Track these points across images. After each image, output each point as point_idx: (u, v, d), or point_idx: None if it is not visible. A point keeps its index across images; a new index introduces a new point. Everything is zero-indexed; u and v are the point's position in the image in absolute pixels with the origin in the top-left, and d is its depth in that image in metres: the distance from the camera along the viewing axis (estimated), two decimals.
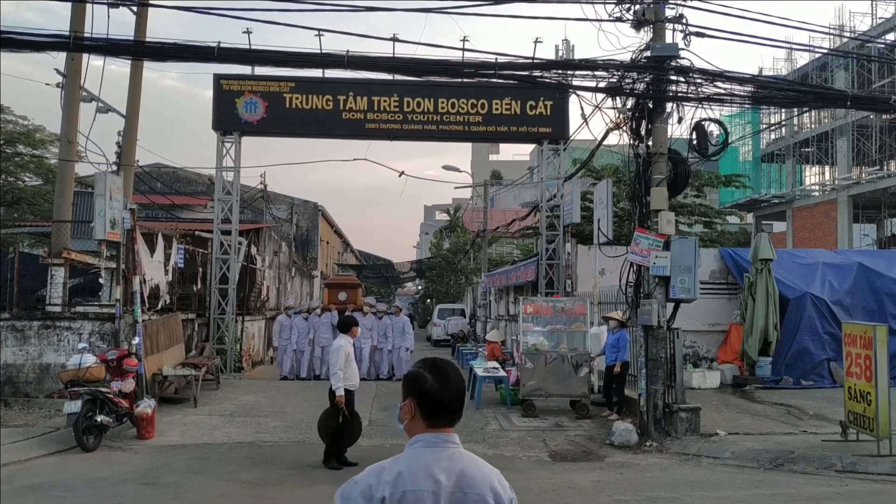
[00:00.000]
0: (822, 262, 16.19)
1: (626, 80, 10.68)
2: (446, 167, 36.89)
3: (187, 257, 17.09)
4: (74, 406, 9.45)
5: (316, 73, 16.52)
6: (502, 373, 14.05)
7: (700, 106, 10.72)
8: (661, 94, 10.67)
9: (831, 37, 28.83)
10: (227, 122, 18.12)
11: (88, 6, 13.48)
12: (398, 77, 13.59)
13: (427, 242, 65.11)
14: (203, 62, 10.83)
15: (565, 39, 53.21)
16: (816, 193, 33.89)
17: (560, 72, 11.27)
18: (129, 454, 9.57)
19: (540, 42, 18.68)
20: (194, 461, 9.22)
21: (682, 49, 10.37)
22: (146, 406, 10.46)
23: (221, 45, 10.07)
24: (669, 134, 10.86)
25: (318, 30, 13.10)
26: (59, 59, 14.07)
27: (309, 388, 15.67)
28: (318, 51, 10.99)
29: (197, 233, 18.91)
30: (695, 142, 10.92)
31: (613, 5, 10.63)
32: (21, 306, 13.33)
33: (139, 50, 12.48)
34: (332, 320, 18.30)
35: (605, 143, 13.17)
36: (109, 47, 10.37)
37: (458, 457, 2.21)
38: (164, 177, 27.88)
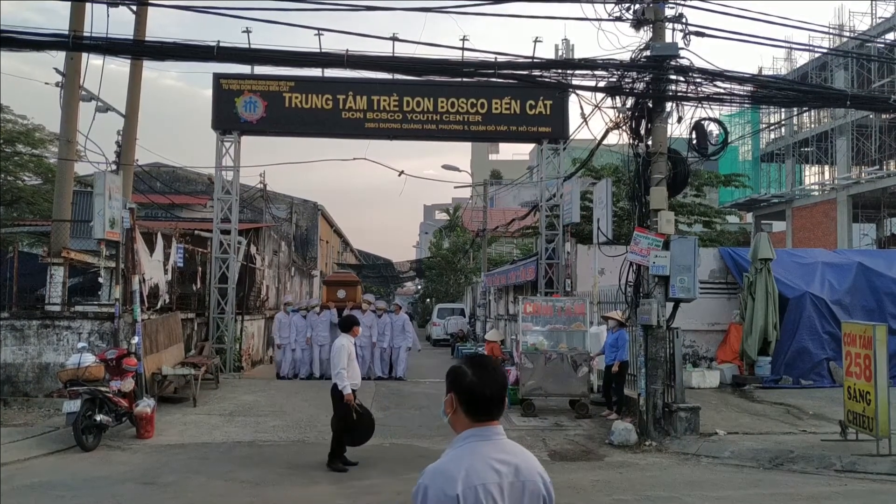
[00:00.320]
0: (822, 261, 16.20)
1: (626, 80, 10.68)
2: (446, 167, 36.97)
3: (187, 257, 17.07)
4: (74, 405, 9.45)
5: (315, 72, 16.52)
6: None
7: (700, 105, 10.73)
8: (661, 93, 10.67)
9: (831, 36, 28.85)
10: (227, 121, 18.11)
11: (88, 5, 13.48)
12: (398, 76, 13.58)
13: (427, 242, 65.11)
14: (202, 61, 10.82)
15: (565, 39, 53.28)
16: (816, 193, 33.90)
17: (560, 71, 11.26)
18: (129, 453, 9.57)
19: (539, 41, 18.66)
20: (193, 461, 9.22)
21: (682, 48, 10.37)
22: (145, 405, 10.46)
23: (221, 44, 10.06)
24: (669, 133, 10.86)
25: (318, 29, 13.14)
26: (58, 58, 14.11)
27: (308, 388, 15.68)
28: (318, 50, 10.98)
29: (196, 232, 18.89)
30: (694, 141, 10.92)
31: (613, 5, 10.63)
32: (20, 305, 13.33)
33: (139, 49, 12.46)
34: (330, 318, 18.23)
35: (604, 142, 13.17)
36: (109, 46, 10.35)
37: (509, 447, 2.30)
38: (164, 176, 27.87)
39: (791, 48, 31.45)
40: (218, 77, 18.00)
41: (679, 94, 10.70)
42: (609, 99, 10.99)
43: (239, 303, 18.72)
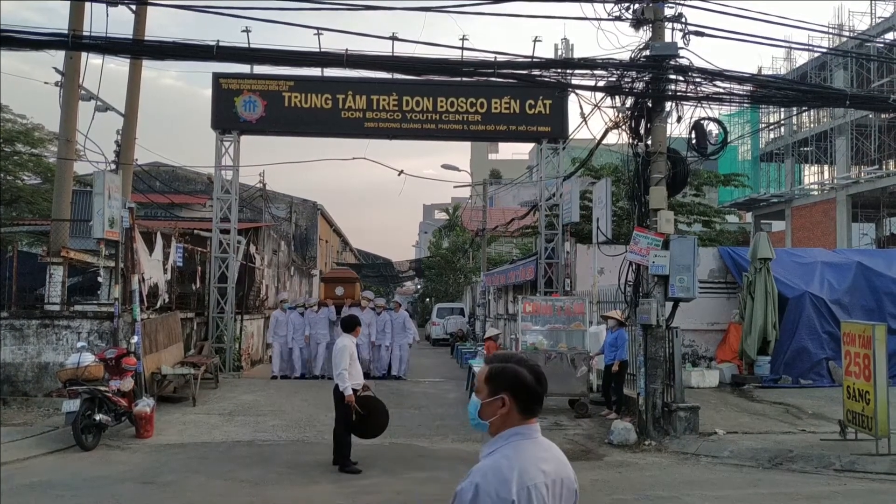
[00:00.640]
0: (821, 261, 16.21)
1: (626, 79, 10.68)
2: (445, 166, 36.87)
3: (186, 256, 17.07)
4: (73, 405, 9.45)
5: (315, 71, 16.50)
6: None
7: (699, 105, 10.73)
8: (661, 93, 10.67)
9: (830, 36, 28.86)
10: (226, 120, 18.10)
11: (87, 5, 13.48)
12: (397, 76, 13.56)
13: (426, 241, 65.12)
14: (202, 61, 10.83)
15: (564, 38, 53.30)
16: (815, 192, 33.92)
17: (559, 71, 11.26)
18: (128, 453, 9.57)
19: (539, 41, 18.61)
20: (193, 460, 9.21)
21: (682, 48, 10.37)
22: (145, 405, 10.45)
23: (220, 43, 10.06)
24: (668, 133, 10.86)
25: (317, 28, 13.13)
26: (57, 57, 14.09)
27: (308, 388, 15.68)
28: (317, 49, 10.97)
29: (196, 231, 18.88)
30: (694, 141, 10.92)
31: (612, 4, 10.62)
32: (20, 305, 13.32)
33: (138, 49, 12.46)
34: (328, 316, 18.03)
35: (604, 142, 13.18)
36: (108, 46, 10.34)
37: (546, 445, 2.36)
38: (163, 175, 27.86)
39: (790, 48, 31.48)
40: (217, 76, 18.00)
41: (678, 93, 10.70)
42: (608, 98, 11.00)
43: (238, 302, 18.70)
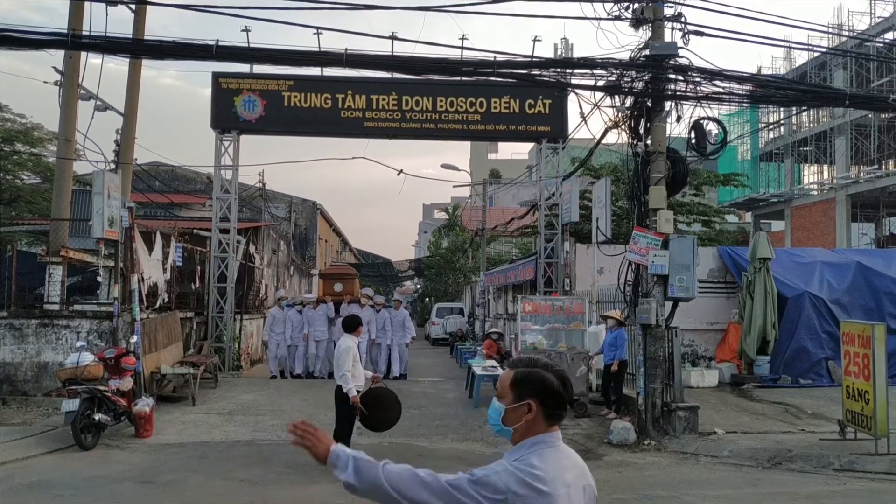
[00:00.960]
0: (821, 261, 16.22)
1: (625, 79, 10.68)
2: (445, 166, 36.93)
3: (185, 256, 17.06)
4: (72, 404, 9.44)
5: (314, 71, 16.49)
6: (501, 371, 14.03)
7: (699, 105, 10.73)
8: (660, 92, 10.67)
9: (830, 36, 28.86)
10: (226, 120, 18.09)
11: (87, 4, 13.49)
12: (397, 75, 13.57)
13: (426, 241, 65.08)
14: (201, 60, 10.81)
15: (564, 38, 53.24)
16: (815, 192, 33.93)
17: (559, 70, 11.26)
18: (128, 453, 9.56)
19: (539, 41, 18.62)
20: (192, 460, 9.21)
21: (681, 48, 10.37)
22: (144, 404, 10.45)
23: (220, 43, 10.06)
24: (668, 132, 10.87)
25: (317, 28, 13.13)
26: (57, 57, 14.08)
27: (307, 387, 15.67)
28: (317, 49, 10.96)
29: (195, 231, 18.88)
30: (693, 140, 10.93)
31: (612, 4, 10.63)
32: (19, 304, 13.32)
33: (137, 48, 12.45)
34: (327, 313, 17.81)
35: (603, 141, 13.17)
36: (108, 45, 10.34)
37: (570, 452, 2.33)
38: (163, 175, 27.85)
39: (790, 47, 31.51)
40: (217, 76, 17.98)
41: (678, 93, 10.71)
42: (608, 98, 11.00)
43: (238, 302, 18.67)
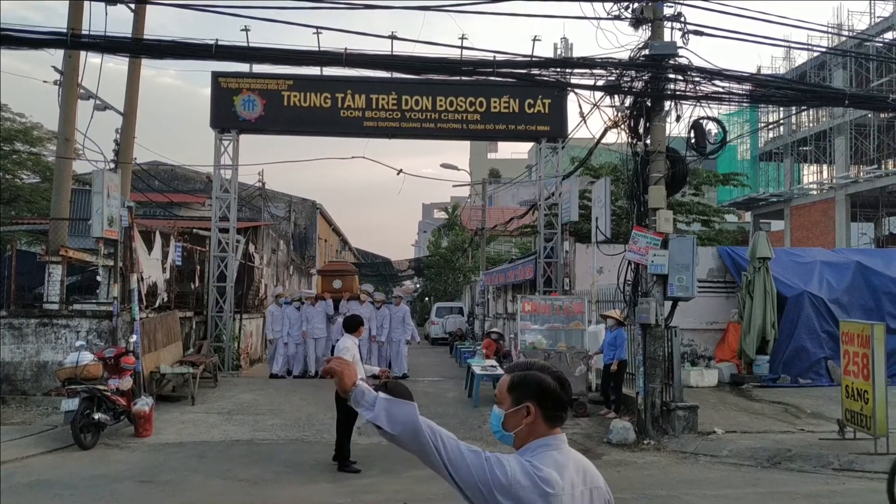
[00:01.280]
0: (820, 260, 16.22)
1: (625, 79, 10.68)
2: (445, 165, 36.88)
3: (185, 255, 17.05)
4: (72, 404, 9.45)
5: (314, 70, 16.47)
6: (500, 371, 14.04)
7: (698, 104, 10.73)
8: (660, 92, 10.67)
9: (830, 35, 28.85)
10: (226, 119, 18.08)
11: (86, 4, 13.50)
12: (396, 75, 13.57)
13: (425, 241, 65.06)
14: (201, 60, 10.81)
15: (564, 38, 53.21)
16: (814, 192, 33.94)
17: (558, 70, 11.26)
18: (127, 452, 9.57)
19: (538, 40, 18.60)
20: (192, 459, 9.22)
21: (681, 47, 10.37)
22: (144, 404, 10.45)
23: (219, 42, 10.06)
24: (668, 132, 10.87)
25: (317, 27, 13.07)
26: (56, 56, 14.08)
27: (306, 386, 15.67)
28: (317, 49, 10.97)
29: (195, 231, 18.87)
30: (693, 140, 10.93)
31: (612, 4, 10.63)
32: (19, 304, 13.32)
33: (137, 47, 12.44)
34: (326, 310, 17.72)
35: (603, 141, 13.17)
36: (107, 45, 10.33)
37: (575, 455, 2.29)
38: (162, 174, 27.83)
39: (790, 47, 31.53)
40: (216, 75, 17.98)
41: (678, 92, 10.71)
42: (608, 98, 11.00)
43: (237, 301, 18.66)
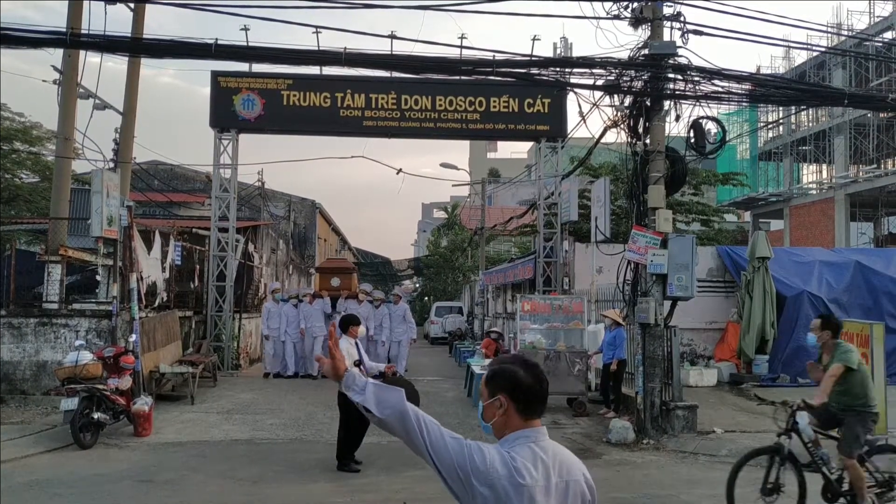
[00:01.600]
0: (820, 260, 16.23)
1: (624, 78, 10.68)
2: (444, 165, 36.89)
3: (184, 255, 17.05)
4: (71, 403, 9.45)
5: (313, 70, 16.46)
6: None
7: (698, 104, 10.73)
8: (659, 91, 10.67)
9: (829, 35, 28.87)
10: (225, 119, 18.08)
11: (85, 3, 13.47)
12: (396, 74, 13.55)
13: (425, 240, 65.10)
14: (200, 59, 10.82)
15: (563, 37, 53.15)
16: (814, 192, 33.95)
17: (558, 69, 11.27)
18: (126, 451, 9.56)
19: (538, 40, 18.61)
20: (191, 458, 9.21)
21: (680, 47, 10.37)
22: (143, 403, 10.45)
23: (219, 42, 10.06)
24: (667, 132, 10.87)
25: (316, 27, 13.08)
26: (56, 55, 14.06)
27: (306, 386, 15.67)
28: (316, 48, 10.98)
29: (194, 230, 18.86)
30: (692, 140, 10.93)
31: (611, 3, 10.63)
32: (18, 303, 13.31)
33: (136, 46, 12.43)
34: (324, 308, 17.52)
35: (602, 140, 13.17)
36: (106, 44, 10.33)
37: (555, 448, 2.32)
38: (162, 174, 27.80)
39: (789, 47, 31.50)
40: (216, 75, 17.98)
41: (677, 92, 10.71)
42: (607, 97, 11.00)
43: (237, 301, 18.65)
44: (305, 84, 18.03)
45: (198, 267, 17.88)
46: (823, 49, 25.80)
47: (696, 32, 10.44)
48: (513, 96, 18.21)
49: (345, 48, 10.21)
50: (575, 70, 10.89)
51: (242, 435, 10.65)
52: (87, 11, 13.13)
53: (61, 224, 13.64)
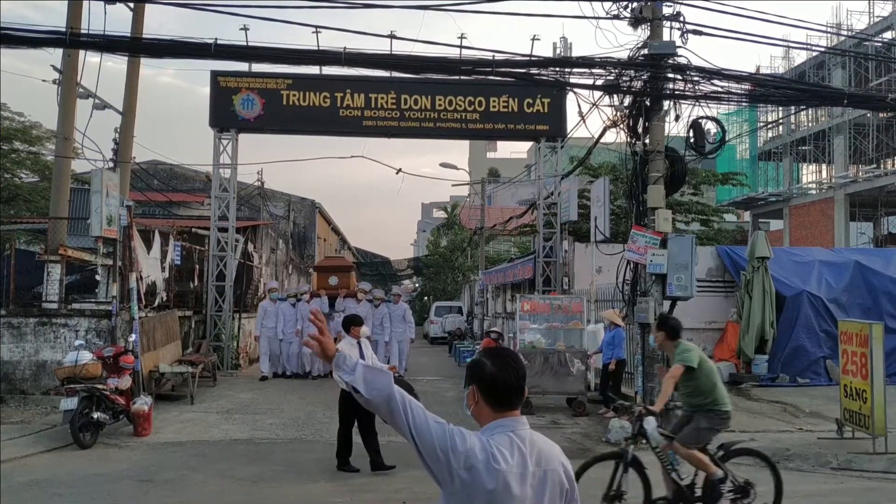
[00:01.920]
0: (819, 260, 16.24)
1: (624, 78, 10.69)
2: (444, 165, 36.93)
3: (184, 254, 17.03)
4: (71, 403, 9.44)
5: (313, 69, 16.43)
6: None
7: (697, 104, 10.74)
8: (659, 91, 10.68)
9: (829, 35, 28.89)
10: (225, 119, 18.07)
11: (85, 3, 13.47)
12: (395, 74, 13.57)
13: (424, 240, 65.08)
14: (200, 59, 10.84)
15: (563, 37, 53.11)
16: (813, 192, 33.96)
17: (557, 69, 11.29)
18: (126, 451, 9.56)
19: (537, 40, 18.66)
20: (191, 458, 9.21)
21: (680, 47, 10.39)
22: (143, 403, 10.45)
23: (218, 41, 10.08)
24: (666, 132, 10.88)
25: (316, 27, 13.09)
26: (55, 55, 14.05)
27: (305, 386, 15.67)
28: (316, 48, 10.99)
29: (194, 230, 18.86)
30: (692, 140, 10.94)
31: (611, 3, 10.64)
32: (18, 303, 13.31)
33: (136, 46, 12.44)
34: (321, 307, 17.07)
35: (602, 140, 13.17)
36: (106, 44, 10.33)
37: (535, 438, 2.37)
38: (161, 174, 27.78)
39: (789, 47, 31.52)
40: (215, 74, 17.97)
41: (677, 92, 10.72)
42: (607, 97, 11.02)
43: (236, 300, 18.64)
44: (305, 84, 18.03)
45: (197, 267, 17.88)
46: (823, 49, 25.82)
47: (695, 32, 10.45)
48: (512, 96, 18.21)
49: (344, 48, 10.23)
50: (574, 70, 10.90)
51: (242, 435, 10.65)
52: (87, 11, 13.16)
53: (61, 224, 13.64)
